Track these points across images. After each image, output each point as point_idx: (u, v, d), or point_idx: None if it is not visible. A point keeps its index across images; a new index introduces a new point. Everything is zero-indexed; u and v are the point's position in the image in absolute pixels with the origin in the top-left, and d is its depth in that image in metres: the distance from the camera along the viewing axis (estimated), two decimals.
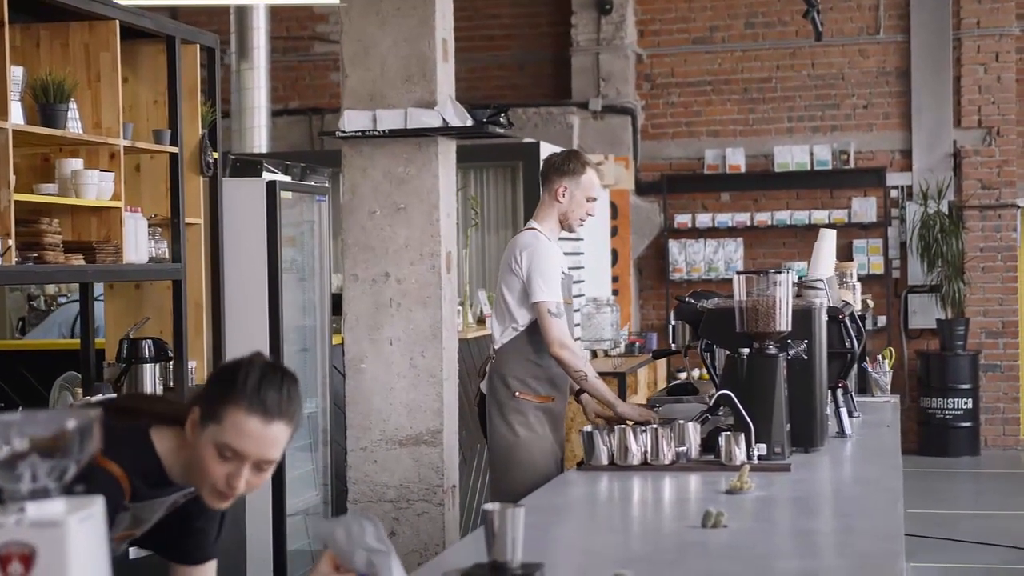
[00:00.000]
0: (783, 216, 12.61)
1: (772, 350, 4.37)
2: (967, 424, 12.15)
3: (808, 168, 12.57)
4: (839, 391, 5.01)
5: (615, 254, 12.27)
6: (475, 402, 5.56)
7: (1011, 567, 8.06)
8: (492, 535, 2.71)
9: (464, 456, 6.83)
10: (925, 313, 12.45)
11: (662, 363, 11.20)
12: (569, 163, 5.29)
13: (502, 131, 6.15)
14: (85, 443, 1.78)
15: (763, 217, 12.64)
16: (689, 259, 12.80)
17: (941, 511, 9.80)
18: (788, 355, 4.40)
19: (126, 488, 2.60)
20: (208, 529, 2.88)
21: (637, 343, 10.90)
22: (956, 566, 8.12)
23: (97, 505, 1.78)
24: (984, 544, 8.55)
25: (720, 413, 4.43)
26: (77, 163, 5.00)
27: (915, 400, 12.42)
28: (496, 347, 5.29)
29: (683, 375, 11.97)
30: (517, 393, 5.18)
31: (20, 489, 1.74)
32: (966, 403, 12.12)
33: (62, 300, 8.56)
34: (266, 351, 6.39)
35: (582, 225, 5.41)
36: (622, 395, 8.78)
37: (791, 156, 12.60)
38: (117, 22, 5.14)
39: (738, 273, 4.43)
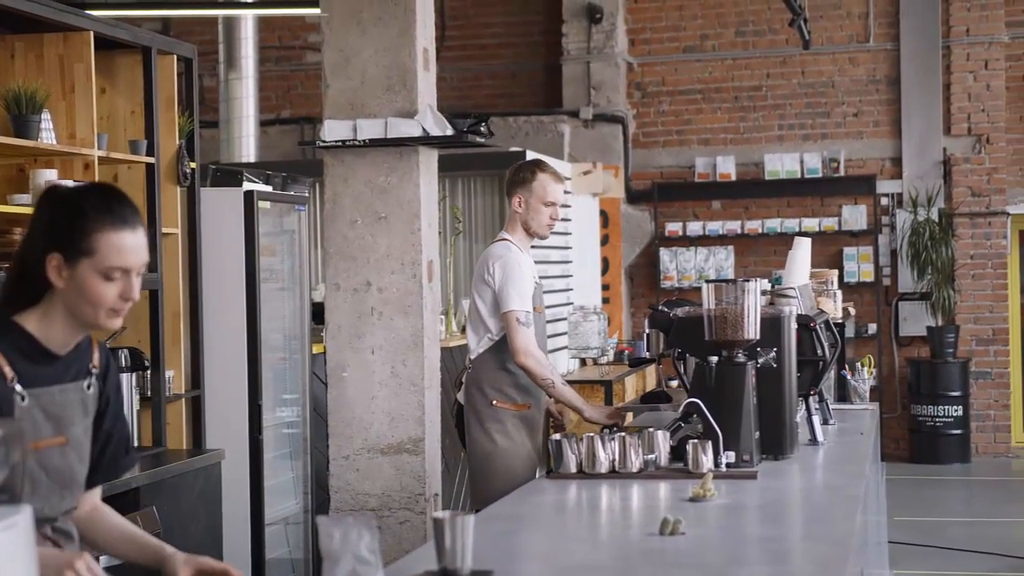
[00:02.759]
0: (774, 224, 12.62)
1: (741, 358, 4.37)
2: (958, 431, 12.15)
3: (798, 176, 12.59)
4: (811, 399, 5.01)
5: (606, 262, 12.30)
6: (452, 412, 5.59)
7: (999, 575, 8.05)
8: (442, 543, 2.73)
9: (446, 464, 6.84)
10: (916, 320, 12.46)
11: (651, 371, 11.20)
12: (519, 173, 5.37)
13: (482, 140, 6.16)
14: (11, 452, 1.79)
15: (754, 225, 12.65)
16: (680, 267, 12.81)
17: (930, 518, 9.81)
18: (757, 363, 4.42)
19: (6, 370, 2.61)
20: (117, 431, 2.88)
21: (627, 351, 10.90)
22: (944, 573, 8.12)
23: (23, 515, 1.80)
24: (972, 552, 8.55)
25: (691, 421, 4.44)
26: (51, 173, 5.02)
27: (906, 407, 12.43)
28: (472, 357, 5.36)
29: (675, 383, 11.96)
30: (494, 402, 5.25)
31: None
32: (956, 410, 12.12)
33: None
34: (244, 360, 6.46)
35: (551, 230, 5.43)
36: (608, 403, 8.78)
37: (781, 164, 12.61)
38: (91, 33, 5.16)
39: (707, 281, 4.45)
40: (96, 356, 2.82)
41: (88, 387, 2.78)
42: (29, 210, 4.97)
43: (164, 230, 5.71)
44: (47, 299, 2.68)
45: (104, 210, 2.65)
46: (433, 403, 6.00)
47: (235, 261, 6.20)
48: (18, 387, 2.62)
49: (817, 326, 4.96)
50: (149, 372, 5.57)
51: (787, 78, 12.83)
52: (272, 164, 9.99)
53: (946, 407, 12.10)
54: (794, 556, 3.14)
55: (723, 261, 12.72)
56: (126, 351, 5.42)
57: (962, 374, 12.18)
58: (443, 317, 7.99)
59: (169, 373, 5.72)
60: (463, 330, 8.16)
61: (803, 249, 5.50)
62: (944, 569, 8.21)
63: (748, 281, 4.39)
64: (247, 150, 10.41)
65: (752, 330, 4.36)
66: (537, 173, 5.34)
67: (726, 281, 4.42)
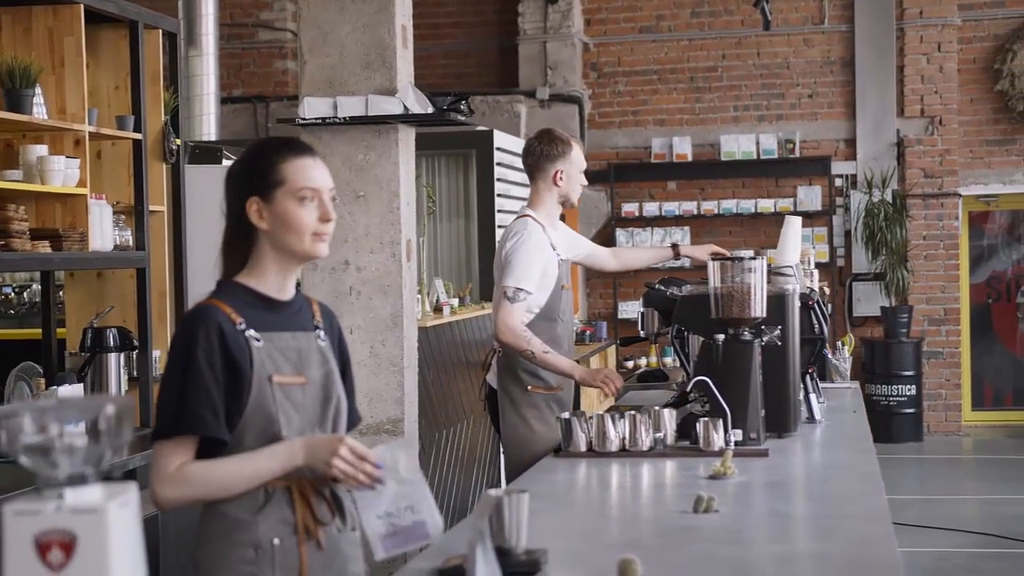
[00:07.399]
0: (729, 205, 12.68)
1: (747, 336, 4.38)
2: (910, 410, 12.30)
3: (754, 157, 12.64)
4: (808, 377, 5.04)
5: None
6: (481, 396, 5.41)
7: (955, 550, 8.17)
8: (498, 521, 2.72)
9: (423, 445, 6.81)
10: (869, 301, 12.58)
11: (611, 351, 11.24)
12: (556, 146, 5.28)
13: (463, 119, 6.13)
14: (122, 428, 1.75)
15: (710, 206, 12.71)
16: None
17: (887, 496, 9.90)
18: (763, 341, 4.42)
19: (228, 311, 2.78)
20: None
21: (587, 332, 10.92)
22: (901, 550, 8.20)
23: (132, 492, 1.76)
24: (928, 528, 8.66)
25: (694, 399, 4.43)
26: (42, 149, 4.92)
27: (860, 387, 12.53)
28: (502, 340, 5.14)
29: (630, 364, 12.02)
30: (530, 387, 5.13)
31: (57, 475, 1.72)
32: (909, 390, 12.26)
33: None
34: None
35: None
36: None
37: (737, 145, 12.67)
38: (81, 6, 5.06)
39: (713, 259, 4.44)
40: (317, 312, 2.95)
41: (320, 339, 2.90)
42: (19, 186, 4.88)
43: (151, 208, 5.62)
44: (253, 253, 2.86)
45: (282, 145, 2.87)
46: (412, 383, 5.97)
47: (218, 239, 6.11)
48: (250, 331, 2.78)
49: (815, 303, 4.99)
50: (136, 352, 5.48)
51: (743, 59, 12.88)
52: (239, 142, 9.86)
53: (899, 386, 12.24)
54: (838, 533, 3.15)
55: (679, 242, 12.74)
56: (114, 331, 5.33)
57: (915, 354, 12.32)
58: (418, 297, 7.94)
59: (156, 352, 5.64)
60: (436, 310, 8.12)
61: (794, 228, 5.51)
62: (901, 546, 8.27)
63: (754, 259, 4.40)
64: (208, 128, 10.26)
65: (759, 308, 4.37)
66: (571, 143, 5.32)
67: (732, 259, 4.41)
